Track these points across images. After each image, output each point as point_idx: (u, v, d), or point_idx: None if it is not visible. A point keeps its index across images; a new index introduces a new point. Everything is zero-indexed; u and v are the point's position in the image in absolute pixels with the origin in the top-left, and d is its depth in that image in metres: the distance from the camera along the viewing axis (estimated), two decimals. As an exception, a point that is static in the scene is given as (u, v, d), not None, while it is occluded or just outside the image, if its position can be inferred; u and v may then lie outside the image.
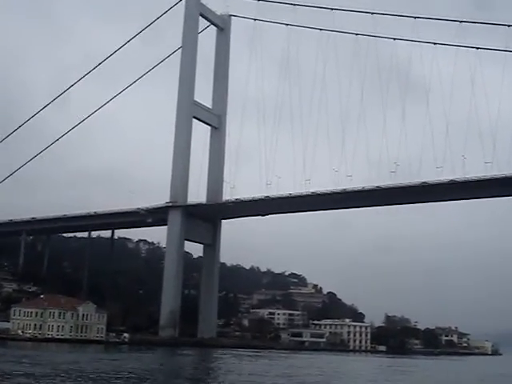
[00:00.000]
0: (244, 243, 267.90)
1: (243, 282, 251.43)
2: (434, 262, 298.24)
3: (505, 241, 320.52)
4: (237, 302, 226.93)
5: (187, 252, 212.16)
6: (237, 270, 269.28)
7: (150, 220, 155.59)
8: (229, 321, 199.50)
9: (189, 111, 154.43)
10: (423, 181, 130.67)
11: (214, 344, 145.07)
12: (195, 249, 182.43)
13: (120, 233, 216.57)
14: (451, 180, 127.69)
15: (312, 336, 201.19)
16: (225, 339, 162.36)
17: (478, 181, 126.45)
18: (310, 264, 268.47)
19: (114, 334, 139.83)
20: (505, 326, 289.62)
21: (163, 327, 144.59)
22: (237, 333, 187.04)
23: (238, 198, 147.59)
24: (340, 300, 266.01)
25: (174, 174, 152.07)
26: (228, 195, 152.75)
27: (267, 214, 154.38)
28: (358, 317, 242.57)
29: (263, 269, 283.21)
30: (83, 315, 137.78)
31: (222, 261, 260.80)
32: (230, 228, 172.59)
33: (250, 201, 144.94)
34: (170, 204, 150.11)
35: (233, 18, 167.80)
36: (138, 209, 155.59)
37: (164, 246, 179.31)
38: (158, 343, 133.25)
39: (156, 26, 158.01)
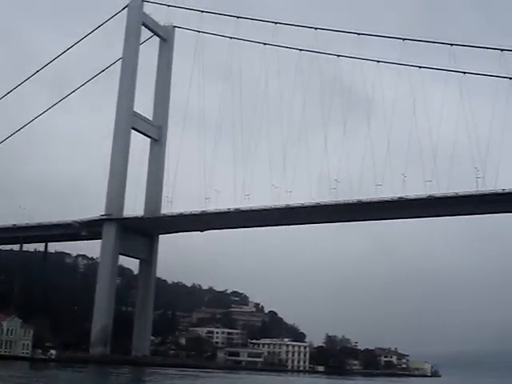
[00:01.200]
0: (186, 260, 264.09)
1: (184, 300, 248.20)
2: (377, 281, 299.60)
3: (444, 262, 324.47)
4: (175, 320, 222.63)
5: (128, 268, 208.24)
6: (178, 287, 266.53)
7: (84, 233, 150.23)
8: (165, 339, 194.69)
9: (127, 122, 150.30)
10: (380, 197, 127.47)
11: (147, 362, 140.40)
12: (137, 265, 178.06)
13: (58, 247, 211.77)
14: (397, 197, 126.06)
15: (249, 356, 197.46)
16: (158, 358, 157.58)
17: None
18: (253, 282, 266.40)
19: (40, 351, 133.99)
20: (445, 347, 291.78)
21: (94, 344, 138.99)
22: (172, 351, 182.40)
23: (175, 212, 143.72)
24: (281, 319, 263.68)
25: (110, 185, 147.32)
26: (166, 209, 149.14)
27: (205, 230, 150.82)
28: (298, 336, 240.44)
29: (205, 286, 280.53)
30: (7, 330, 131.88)
31: (163, 278, 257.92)
32: (172, 244, 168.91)
33: (188, 215, 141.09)
34: (105, 217, 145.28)
35: (176, 29, 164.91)
36: (72, 221, 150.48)
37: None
38: (88, 361, 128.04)
39: (103, 32, 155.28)
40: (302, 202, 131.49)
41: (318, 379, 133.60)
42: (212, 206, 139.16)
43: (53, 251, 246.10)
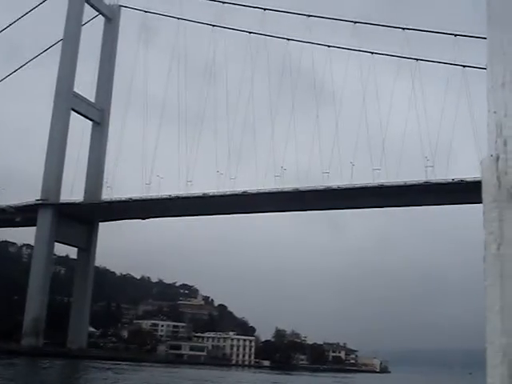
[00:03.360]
0: (136, 252, 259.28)
1: (131, 292, 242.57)
2: (328, 274, 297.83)
3: (400, 255, 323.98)
4: (119, 312, 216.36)
5: (72, 258, 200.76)
6: (126, 279, 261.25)
7: (18, 219, 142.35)
8: (106, 331, 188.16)
9: (67, 103, 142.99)
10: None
11: (82, 355, 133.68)
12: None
13: (3, 235, 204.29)
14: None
15: (192, 349, 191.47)
16: (95, 350, 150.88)
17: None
18: (203, 276, 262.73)
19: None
20: (394, 343, 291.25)
21: (25, 335, 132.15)
22: (111, 344, 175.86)
23: (114, 198, 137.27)
24: (231, 313, 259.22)
25: (46, 169, 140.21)
26: (107, 196, 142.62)
27: (147, 218, 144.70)
28: (248, 330, 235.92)
29: (154, 279, 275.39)
30: None
31: (111, 270, 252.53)
32: (121, 235, 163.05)
33: (126, 201, 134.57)
34: (40, 202, 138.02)
35: (122, 8, 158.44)
36: (6, 206, 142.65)
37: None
38: (16, 352, 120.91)
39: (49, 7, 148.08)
40: (246, 189, 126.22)
41: (257, 374, 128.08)
42: (154, 193, 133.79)
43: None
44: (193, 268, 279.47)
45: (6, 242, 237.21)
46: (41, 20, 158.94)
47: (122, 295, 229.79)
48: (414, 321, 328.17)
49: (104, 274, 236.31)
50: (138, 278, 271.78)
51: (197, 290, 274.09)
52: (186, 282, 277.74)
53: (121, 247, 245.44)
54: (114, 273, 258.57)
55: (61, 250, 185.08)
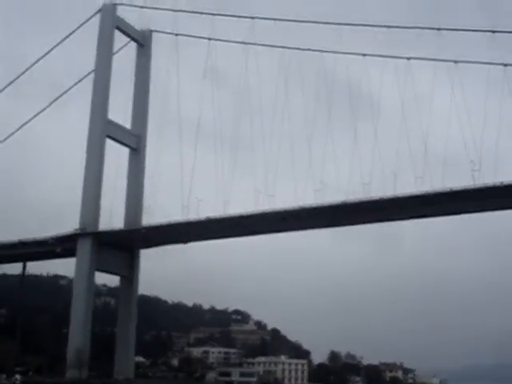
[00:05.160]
0: (189, 280, 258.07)
1: (183, 320, 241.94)
2: (381, 296, 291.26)
3: (448, 271, 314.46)
4: (170, 341, 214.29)
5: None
6: (178, 307, 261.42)
7: (58, 250, 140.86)
8: (156, 360, 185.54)
9: (102, 130, 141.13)
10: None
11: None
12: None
13: (54, 269, 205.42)
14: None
15: (242, 375, 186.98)
16: (142, 380, 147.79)
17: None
18: (256, 299, 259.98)
19: (4, 376, 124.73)
20: (454, 360, 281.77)
21: (69, 368, 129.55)
22: (160, 373, 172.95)
23: (152, 223, 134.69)
24: (285, 337, 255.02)
25: (84, 198, 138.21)
26: (147, 222, 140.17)
27: (188, 241, 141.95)
28: (302, 354, 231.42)
29: (206, 306, 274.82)
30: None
31: (164, 299, 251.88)
32: (172, 263, 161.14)
33: (164, 226, 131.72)
34: (79, 231, 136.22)
35: (154, 33, 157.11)
36: (49, 237, 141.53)
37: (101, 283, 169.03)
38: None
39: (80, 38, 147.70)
40: (286, 207, 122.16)
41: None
42: (193, 216, 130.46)
43: (50, 274, 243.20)
44: (245, 293, 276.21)
45: (56, 275, 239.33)
46: (74, 50, 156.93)
47: (174, 323, 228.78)
48: (473, 334, 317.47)
49: (156, 303, 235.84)
50: (190, 305, 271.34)
51: (249, 316, 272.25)
52: (238, 308, 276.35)
53: (173, 276, 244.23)
54: (166, 301, 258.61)
55: (111, 281, 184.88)
